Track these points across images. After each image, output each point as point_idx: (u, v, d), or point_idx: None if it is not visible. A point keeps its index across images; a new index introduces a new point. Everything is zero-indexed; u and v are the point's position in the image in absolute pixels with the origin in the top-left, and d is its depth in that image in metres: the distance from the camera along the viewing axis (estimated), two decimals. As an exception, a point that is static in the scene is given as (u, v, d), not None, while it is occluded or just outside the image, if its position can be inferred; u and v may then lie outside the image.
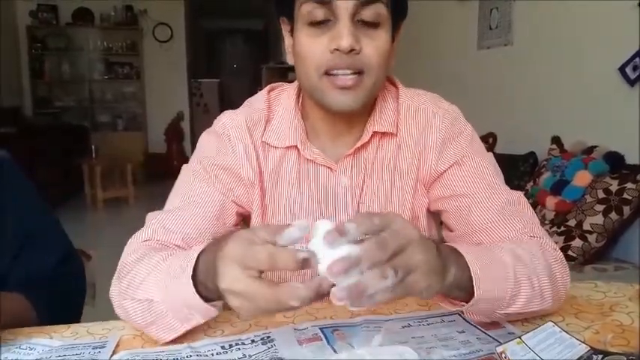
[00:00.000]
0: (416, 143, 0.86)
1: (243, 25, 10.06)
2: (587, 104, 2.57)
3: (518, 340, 0.62)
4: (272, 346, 0.68)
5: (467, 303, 0.64)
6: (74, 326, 0.77)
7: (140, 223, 0.83)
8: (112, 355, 0.67)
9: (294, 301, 0.50)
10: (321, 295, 0.51)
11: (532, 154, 2.76)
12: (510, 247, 0.71)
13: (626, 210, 2.05)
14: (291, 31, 0.80)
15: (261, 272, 0.53)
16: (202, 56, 9.76)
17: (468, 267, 0.62)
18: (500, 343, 0.63)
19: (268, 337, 0.71)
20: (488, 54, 3.40)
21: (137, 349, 0.69)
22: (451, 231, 0.87)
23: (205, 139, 0.89)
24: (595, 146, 2.33)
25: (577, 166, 2.25)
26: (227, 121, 0.87)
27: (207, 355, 0.67)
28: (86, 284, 1.05)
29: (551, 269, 0.72)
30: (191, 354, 0.67)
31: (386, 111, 0.87)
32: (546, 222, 2.26)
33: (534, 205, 2.31)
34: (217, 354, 0.67)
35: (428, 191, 0.88)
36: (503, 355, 0.61)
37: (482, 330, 0.72)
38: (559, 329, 0.64)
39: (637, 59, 2.24)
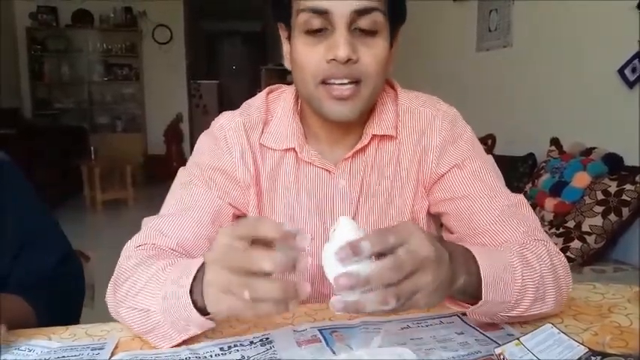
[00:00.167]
0: (415, 145, 0.86)
1: (243, 27, 10.07)
2: (586, 106, 2.57)
3: (516, 341, 0.62)
4: (271, 348, 0.68)
5: (471, 304, 0.65)
6: (73, 327, 0.77)
7: (139, 225, 0.83)
8: (110, 357, 0.67)
9: (267, 263, 0.50)
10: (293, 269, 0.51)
11: (531, 155, 2.76)
12: (519, 250, 0.71)
13: (625, 211, 2.05)
14: (289, 38, 0.80)
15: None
16: (202, 58, 9.77)
17: (478, 272, 0.62)
18: (499, 345, 0.63)
19: (267, 338, 0.71)
20: (487, 56, 3.41)
21: (136, 350, 0.69)
22: (452, 233, 0.87)
23: (202, 141, 0.89)
24: (594, 148, 2.33)
25: (576, 167, 2.25)
26: (224, 122, 0.87)
27: (206, 357, 0.67)
28: (85, 285, 1.05)
29: (556, 273, 0.72)
30: (190, 356, 0.67)
31: (385, 114, 0.86)
32: (545, 223, 2.26)
33: (533, 207, 2.31)
34: (216, 356, 0.67)
35: (428, 194, 0.88)
36: (502, 357, 0.61)
37: (481, 331, 0.72)
38: (557, 331, 0.64)
39: (636, 61, 2.25)
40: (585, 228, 2.10)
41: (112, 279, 0.74)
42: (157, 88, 7.09)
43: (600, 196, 2.11)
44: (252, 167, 0.85)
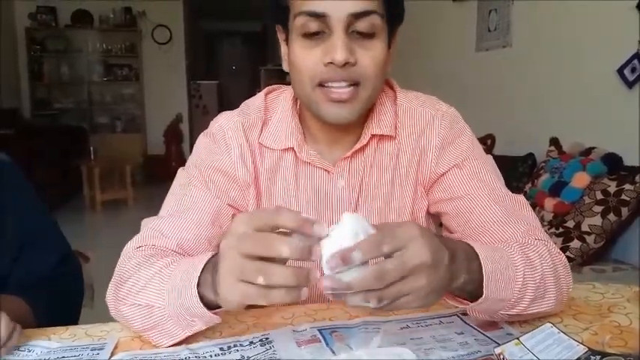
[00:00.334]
0: (415, 145, 0.86)
1: (242, 27, 10.06)
2: (585, 106, 2.57)
3: (516, 341, 0.62)
4: (270, 348, 0.68)
5: (471, 300, 0.65)
6: (72, 328, 0.77)
7: (139, 225, 0.83)
8: (110, 357, 0.67)
9: (285, 248, 0.50)
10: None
11: (530, 155, 2.76)
12: (521, 249, 0.71)
13: (625, 211, 2.06)
14: (287, 40, 0.80)
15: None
16: (201, 58, 9.76)
17: (480, 270, 0.62)
18: (499, 344, 0.63)
19: (267, 338, 0.71)
20: (486, 56, 3.41)
21: (135, 350, 0.70)
22: (451, 233, 0.87)
23: (201, 141, 0.89)
24: (593, 148, 2.33)
25: (575, 167, 2.25)
26: (223, 122, 0.87)
27: (205, 357, 0.67)
28: (84, 285, 1.05)
29: (557, 272, 0.72)
30: (189, 355, 0.67)
31: (384, 114, 0.86)
32: (545, 223, 2.26)
33: (533, 207, 2.29)
34: (216, 355, 0.67)
35: (427, 193, 0.88)
36: (502, 357, 0.61)
37: (481, 331, 0.72)
38: (557, 330, 0.64)
39: (635, 61, 2.25)
40: (585, 228, 2.10)
41: (112, 280, 0.74)
42: (157, 89, 7.09)
43: (600, 195, 2.12)
44: (251, 167, 0.85)
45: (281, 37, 0.83)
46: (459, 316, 0.77)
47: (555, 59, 2.78)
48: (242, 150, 0.85)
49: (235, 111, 0.89)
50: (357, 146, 0.85)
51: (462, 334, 0.72)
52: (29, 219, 0.94)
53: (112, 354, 0.68)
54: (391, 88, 0.90)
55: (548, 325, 0.65)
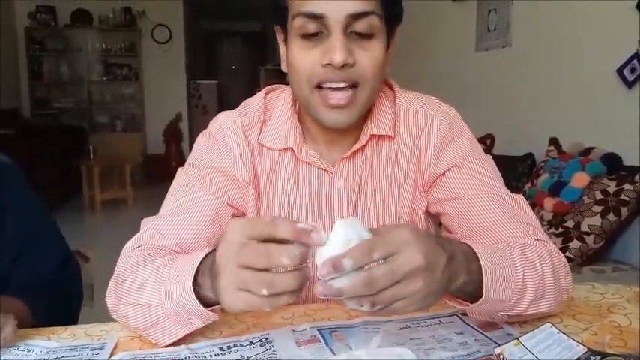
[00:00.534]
0: (414, 146, 0.86)
1: (242, 27, 10.06)
2: (585, 106, 2.57)
3: (516, 341, 0.62)
4: (270, 348, 0.68)
5: (471, 301, 0.65)
6: (72, 327, 0.77)
7: (138, 225, 0.83)
8: (110, 357, 0.67)
9: (285, 258, 0.50)
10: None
11: (530, 155, 2.76)
12: (521, 249, 0.71)
13: (624, 211, 2.06)
14: (285, 41, 0.80)
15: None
16: (201, 58, 9.76)
17: (480, 270, 0.62)
18: (499, 345, 0.63)
19: (266, 338, 0.71)
20: (486, 56, 3.41)
21: (135, 350, 0.70)
22: (451, 233, 0.87)
23: (200, 141, 0.89)
24: (592, 148, 2.33)
25: (575, 167, 2.25)
26: (223, 122, 0.87)
27: (205, 357, 0.67)
28: (83, 287, 1.05)
29: (556, 273, 0.72)
30: (189, 355, 0.67)
31: (383, 114, 0.86)
32: (544, 223, 2.26)
33: (532, 207, 2.31)
34: (215, 355, 0.67)
35: (426, 194, 0.88)
36: (502, 357, 0.61)
37: (481, 331, 0.72)
38: (557, 330, 0.64)
39: (635, 61, 2.25)
40: (584, 228, 2.10)
41: (112, 279, 0.75)
42: (157, 88, 7.09)
43: (599, 196, 2.12)
44: (250, 167, 0.85)
45: (280, 37, 0.83)
46: (458, 316, 0.77)
47: (555, 59, 2.78)
48: (241, 150, 0.85)
49: (234, 111, 0.89)
50: (357, 146, 0.85)
51: (462, 334, 0.72)
52: (29, 219, 0.94)
53: (112, 354, 0.68)
54: (390, 88, 0.90)
55: (548, 325, 0.65)
